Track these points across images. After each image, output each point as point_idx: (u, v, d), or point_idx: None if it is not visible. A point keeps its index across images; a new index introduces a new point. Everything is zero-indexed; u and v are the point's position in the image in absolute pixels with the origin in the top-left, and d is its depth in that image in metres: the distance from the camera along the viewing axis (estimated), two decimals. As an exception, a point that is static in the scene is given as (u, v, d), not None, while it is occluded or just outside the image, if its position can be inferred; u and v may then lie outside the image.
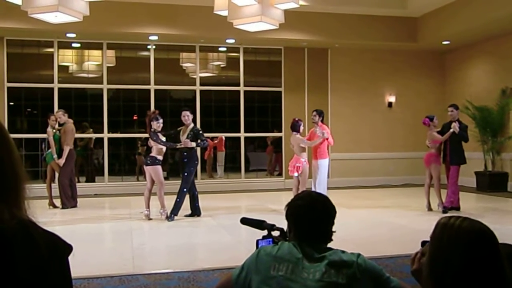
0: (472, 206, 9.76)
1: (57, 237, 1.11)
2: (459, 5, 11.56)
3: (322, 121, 9.24)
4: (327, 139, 8.98)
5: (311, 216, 2.14)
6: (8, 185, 1.07)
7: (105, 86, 12.53)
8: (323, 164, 9.13)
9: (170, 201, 8.48)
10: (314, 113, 9.23)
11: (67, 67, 12.95)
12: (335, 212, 2.20)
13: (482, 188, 11.95)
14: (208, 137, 10.74)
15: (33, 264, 1.03)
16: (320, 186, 9.04)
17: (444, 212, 8.76)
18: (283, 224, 2.29)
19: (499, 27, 11.36)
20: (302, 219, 2.16)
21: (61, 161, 9.59)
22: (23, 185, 1.11)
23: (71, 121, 9.97)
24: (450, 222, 1.54)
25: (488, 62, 12.97)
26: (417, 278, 1.91)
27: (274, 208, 9.29)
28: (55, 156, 9.63)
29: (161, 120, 8.40)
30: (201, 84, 13.12)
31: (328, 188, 9.28)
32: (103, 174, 12.66)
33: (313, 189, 8.89)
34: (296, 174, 8.90)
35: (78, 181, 11.87)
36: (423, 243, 1.90)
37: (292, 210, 2.19)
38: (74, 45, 12.67)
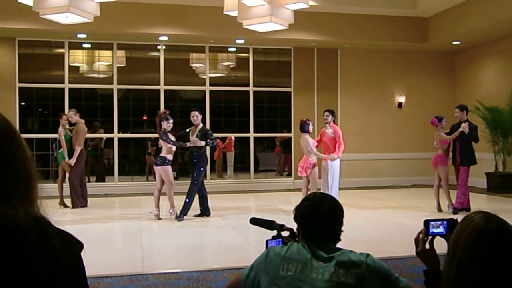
0: (483, 207, 9.69)
1: (69, 234, 1.14)
2: (470, 5, 11.49)
3: (334, 121, 9.23)
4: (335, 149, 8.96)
5: (318, 216, 2.14)
6: (21, 183, 1.10)
7: (115, 87, 12.59)
8: (334, 165, 9.07)
9: (179, 201, 8.51)
10: (327, 113, 9.19)
11: (78, 67, 13.03)
12: (342, 212, 2.20)
13: (492, 189, 11.86)
14: (217, 137, 10.76)
15: (47, 260, 1.05)
16: (332, 187, 8.98)
17: (454, 213, 8.72)
18: (293, 224, 2.30)
19: (510, 26, 11.27)
20: (309, 219, 2.17)
21: (72, 161, 9.65)
22: (36, 184, 1.13)
23: (83, 121, 10.03)
24: (471, 221, 1.48)
25: (498, 62, 12.88)
26: (422, 259, 1.90)
27: (283, 209, 9.27)
28: (66, 156, 9.70)
29: (171, 120, 8.42)
30: (210, 85, 13.14)
31: (339, 189, 9.23)
32: (113, 174, 12.72)
33: (322, 190, 8.88)
34: (304, 175, 8.90)
35: (89, 181, 11.95)
36: (425, 223, 1.89)
37: (299, 212, 2.20)
38: (84, 45, 12.75)
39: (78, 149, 9.71)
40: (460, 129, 8.78)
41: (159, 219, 8.40)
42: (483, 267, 1.40)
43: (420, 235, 1.88)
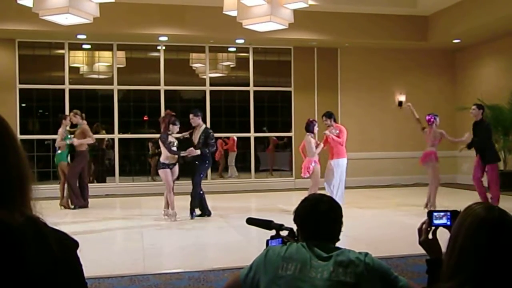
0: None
1: (64, 234, 1.14)
2: (470, 3, 11.48)
3: (334, 121, 9.22)
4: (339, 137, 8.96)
5: (316, 216, 2.16)
6: (14, 185, 1.09)
7: (115, 87, 12.59)
8: (341, 164, 9.02)
9: (179, 202, 8.55)
10: (324, 118, 9.18)
11: (78, 68, 13.05)
12: (340, 212, 2.21)
13: (493, 187, 11.83)
14: (218, 138, 10.74)
15: (44, 259, 1.06)
16: (339, 187, 8.94)
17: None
18: (292, 223, 2.30)
19: (510, 24, 11.26)
20: (307, 219, 2.18)
21: (78, 141, 9.69)
22: (30, 186, 1.13)
23: (85, 122, 10.09)
24: (473, 210, 1.49)
25: (499, 60, 12.86)
26: (425, 248, 1.91)
27: (284, 208, 9.27)
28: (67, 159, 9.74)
29: (178, 125, 8.48)
30: (211, 85, 13.14)
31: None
32: (114, 175, 12.73)
33: (327, 189, 8.83)
34: (307, 175, 8.87)
35: (90, 182, 11.94)
36: (429, 213, 1.91)
37: (298, 212, 2.22)
38: (84, 46, 12.75)
39: (88, 140, 9.83)
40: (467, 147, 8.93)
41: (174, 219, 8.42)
42: (483, 255, 1.41)
43: (424, 225, 1.91)
